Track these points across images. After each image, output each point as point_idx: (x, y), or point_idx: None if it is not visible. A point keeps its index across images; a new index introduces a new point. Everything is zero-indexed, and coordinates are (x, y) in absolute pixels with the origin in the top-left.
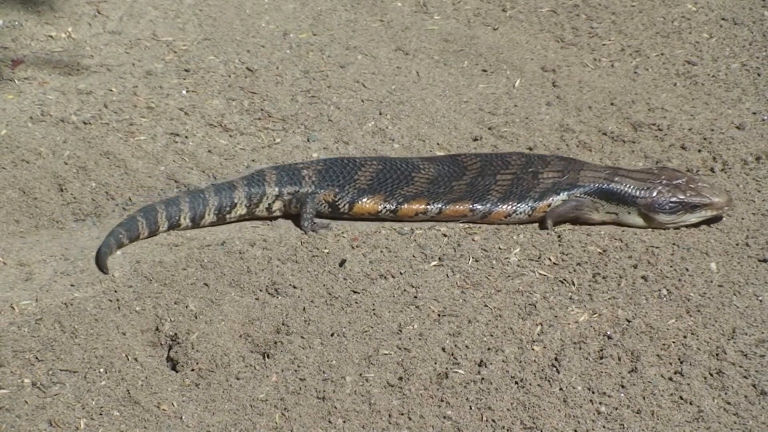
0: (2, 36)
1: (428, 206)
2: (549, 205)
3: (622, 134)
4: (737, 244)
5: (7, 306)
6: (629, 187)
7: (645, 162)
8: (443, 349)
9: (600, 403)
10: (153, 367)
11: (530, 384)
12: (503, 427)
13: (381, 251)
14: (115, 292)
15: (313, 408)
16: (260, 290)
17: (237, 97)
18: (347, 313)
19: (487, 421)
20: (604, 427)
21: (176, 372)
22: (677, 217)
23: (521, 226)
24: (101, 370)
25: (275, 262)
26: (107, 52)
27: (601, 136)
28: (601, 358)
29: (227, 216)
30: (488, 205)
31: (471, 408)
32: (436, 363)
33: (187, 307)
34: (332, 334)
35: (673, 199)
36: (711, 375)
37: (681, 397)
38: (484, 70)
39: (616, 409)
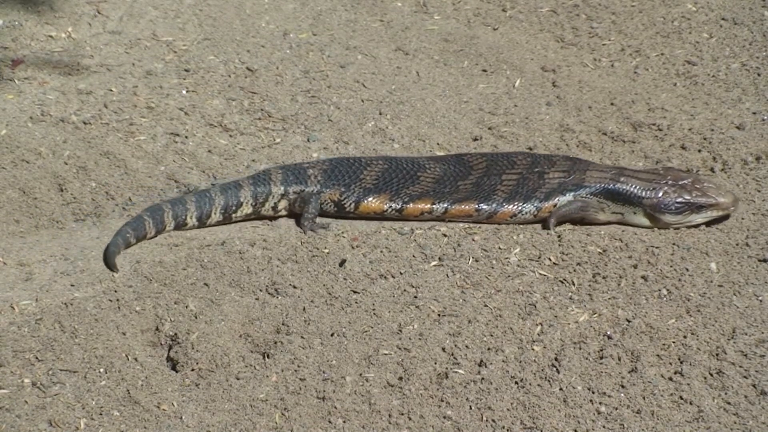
0: (2, 36)
1: (434, 206)
2: (555, 206)
3: (622, 134)
4: (737, 244)
5: (7, 306)
6: (635, 187)
7: (645, 162)
8: (443, 349)
9: (600, 403)
10: (153, 367)
11: (530, 384)
12: (503, 427)
13: (381, 251)
14: (115, 292)
15: (313, 408)
16: (260, 290)
17: (237, 97)
18: (347, 313)
19: (487, 421)
20: (604, 427)
21: (176, 372)
22: (683, 218)
23: (521, 226)
24: (101, 370)
25: (275, 262)
26: (107, 52)
27: (601, 136)
28: (601, 358)
29: (233, 215)
30: (494, 205)
31: (471, 408)
32: (436, 363)
33: (187, 307)
34: (332, 334)
35: (679, 200)
36: (711, 375)
37: (681, 397)
38: (484, 70)
39: (616, 409)
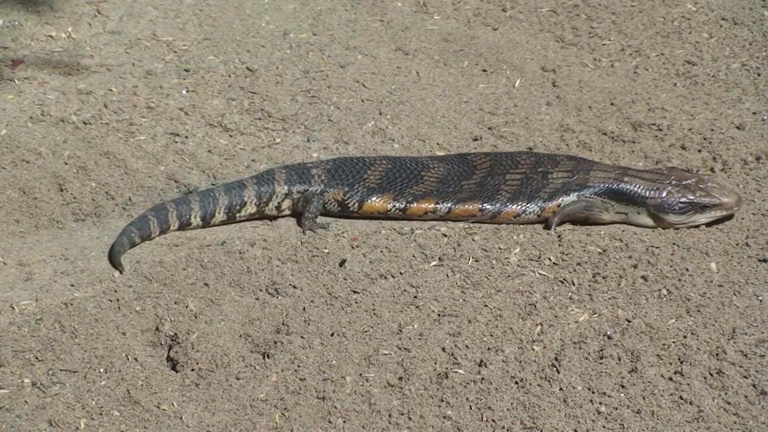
0: (2, 36)
1: (437, 205)
2: (559, 206)
3: (622, 134)
4: (737, 244)
5: (7, 306)
6: (639, 187)
7: (645, 162)
8: (443, 349)
9: (600, 403)
10: (153, 367)
11: (530, 384)
12: (503, 427)
13: (381, 251)
14: (115, 292)
15: (313, 408)
16: (260, 290)
17: (237, 97)
18: (347, 313)
19: (487, 421)
20: (604, 427)
21: (176, 372)
22: (687, 218)
23: (521, 226)
24: (101, 370)
25: (275, 262)
26: (107, 52)
27: (601, 136)
28: (601, 358)
29: (237, 215)
30: (497, 205)
31: (471, 408)
32: (436, 363)
33: (187, 307)
34: (332, 334)
35: (683, 200)
36: (711, 375)
37: (681, 397)
38: (484, 70)
39: (616, 409)
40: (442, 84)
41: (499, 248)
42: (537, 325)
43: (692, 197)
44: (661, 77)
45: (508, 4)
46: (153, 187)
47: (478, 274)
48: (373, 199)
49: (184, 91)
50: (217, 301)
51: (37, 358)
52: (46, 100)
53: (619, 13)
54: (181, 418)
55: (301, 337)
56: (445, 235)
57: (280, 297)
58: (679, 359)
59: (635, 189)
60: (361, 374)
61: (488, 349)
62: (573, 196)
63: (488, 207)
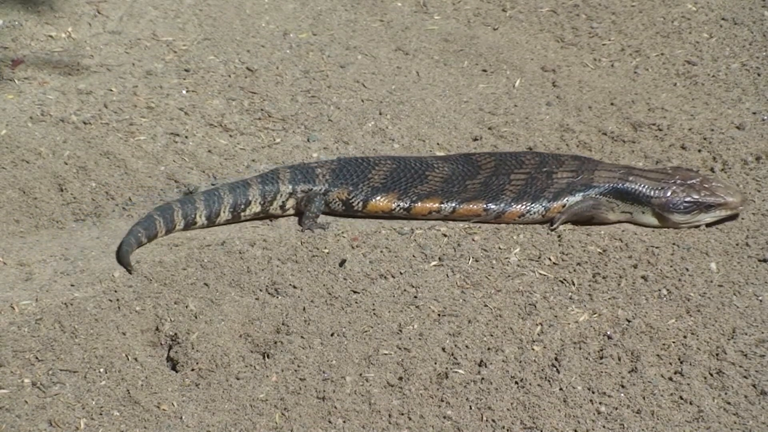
0: (2, 36)
1: (442, 205)
2: (563, 206)
3: (622, 134)
4: (737, 244)
5: (7, 306)
6: (644, 186)
7: (645, 162)
8: (443, 349)
9: (600, 403)
10: (153, 367)
11: (530, 384)
12: (503, 427)
13: (381, 251)
14: (115, 292)
15: (313, 408)
16: (260, 290)
17: (237, 97)
18: (347, 313)
19: (487, 421)
20: (604, 427)
21: (176, 372)
22: (692, 217)
23: (521, 225)
24: (101, 370)
25: (275, 262)
26: (107, 52)
27: (601, 136)
28: (601, 358)
29: (242, 214)
30: (502, 205)
31: (471, 408)
32: (436, 363)
33: (187, 307)
34: (332, 334)
35: (688, 199)
36: (711, 375)
37: (681, 397)
38: (484, 70)
39: (616, 409)
40: (442, 84)
41: (499, 248)
42: (537, 325)
43: (697, 197)
44: (661, 77)
45: (508, 4)
46: (153, 187)
47: (478, 274)
48: (378, 198)
49: (184, 91)
50: (217, 301)
51: (37, 358)
52: (46, 100)
53: (619, 13)
54: (181, 418)
55: (301, 337)
56: (445, 235)
57: (280, 297)
58: (679, 359)
59: (640, 188)
60: (361, 374)
61: (488, 349)
62: (578, 196)
63: (493, 207)
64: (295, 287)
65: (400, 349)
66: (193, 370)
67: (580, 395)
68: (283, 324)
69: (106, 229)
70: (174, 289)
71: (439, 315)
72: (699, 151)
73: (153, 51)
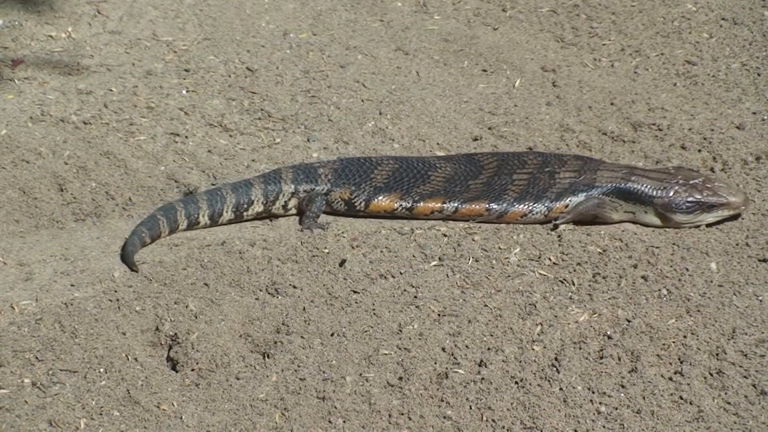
0: (2, 36)
1: (444, 204)
2: (566, 206)
3: (622, 134)
4: (737, 244)
5: (7, 306)
6: (646, 186)
7: (645, 162)
8: (443, 349)
9: (600, 403)
10: (153, 367)
11: (530, 384)
12: (503, 427)
13: (381, 251)
14: (115, 292)
15: (313, 408)
16: (260, 290)
17: (237, 97)
18: (347, 313)
19: (487, 421)
20: (604, 427)
21: (176, 372)
22: (694, 217)
23: (521, 225)
24: (101, 370)
25: (275, 262)
26: (107, 52)
27: (601, 136)
28: (601, 358)
29: (245, 213)
30: (504, 205)
31: (471, 408)
32: (436, 363)
33: (187, 307)
34: (332, 334)
35: (690, 199)
36: (711, 375)
37: (681, 397)
38: (484, 70)
39: (616, 409)
40: (442, 84)
41: (499, 248)
42: (537, 325)
43: (699, 197)
44: (661, 77)
45: (508, 4)
46: (153, 187)
47: (478, 274)
48: (380, 198)
49: (184, 91)
50: (217, 301)
51: (37, 358)
52: (46, 100)
53: (619, 13)
54: (181, 418)
55: (301, 337)
56: (445, 235)
57: (280, 297)
58: (679, 359)
59: (642, 188)
60: (361, 374)
61: (488, 349)
62: (581, 196)
63: (495, 207)
64: (295, 287)
65: (400, 349)
66: (193, 370)
67: (580, 395)
68: (283, 324)
69: (106, 229)
70: (174, 289)
71: (439, 315)
72: (699, 151)
73: (153, 51)
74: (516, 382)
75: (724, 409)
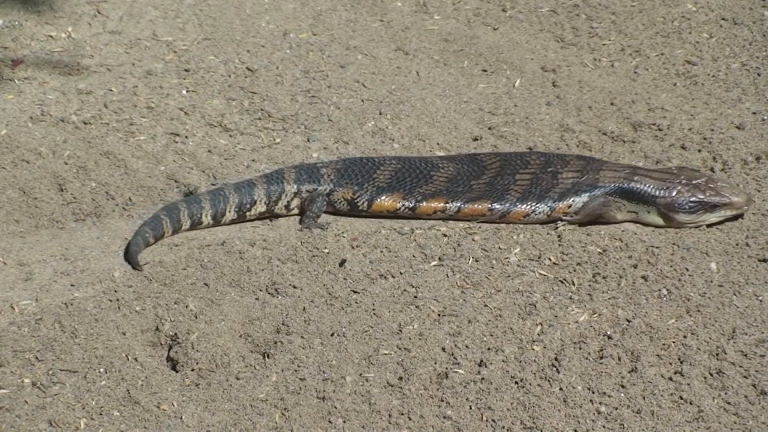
0: (2, 36)
1: (447, 204)
2: (569, 206)
3: (622, 134)
4: (737, 244)
5: (7, 306)
6: (649, 186)
7: (645, 162)
8: (443, 349)
9: (600, 403)
10: (153, 367)
11: (530, 384)
12: (503, 427)
13: (381, 251)
14: (115, 292)
15: (313, 408)
16: (260, 290)
17: (237, 97)
18: (347, 313)
19: (487, 421)
20: (604, 427)
21: (176, 372)
22: (697, 217)
23: (521, 225)
24: (101, 370)
25: (275, 262)
26: (107, 52)
27: (601, 136)
28: (601, 358)
29: (247, 213)
30: (507, 205)
31: (471, 408)
32: (436, 363)
33: (187, 307)
34: (332, 334)
35: (693, 199)
36: (711, 375)
37: (681, 397)
38: (484, 70)
39: (616, 409)
40: (442, 84)
41: (499, 248)
42: (537, 325)
43: (702, 196)
44: (661, 77)
45: (508, 4)
46: (153, 187)
47: (478, 274)
48: (383, 198)
49: (184, 91)
50: (217, 301)
51: (37, 358)
52: (46, 100)
53: (619, 13)
54: (181, 418)
55: (301, 337)
56: (445, 235)
57: (280, 297)
58: (679, 359)
59: (645, 188)
60: (361, 374)
61: (488, 349)
62: (584, 196)
63: (497, 207)
64: (295, 287)
65: (400, 349)
66: (193, 370)
67: (580, 395)
68: (283, 324)
69: (106, 229)
70: (174, 289)
71: (439, 315)
72: (699, 151)
73: (153, 51)
74: (516, 382)
75: (724, 409)
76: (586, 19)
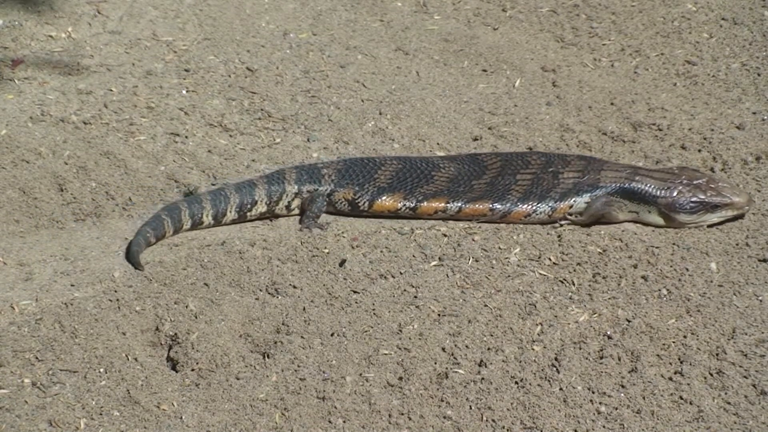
0: (2, 36)
1: (448, 204)
2: (570, 206)
3: (622, 134)
4: (737, 244)
5: (7, 306)
6: (650, 186)
7: (645, 162)
8: (443, 349)
9: (600, 403)
10: (153, 367)
11: (530, 384)
12: (503, 427)
13: (381, 251)
14: (115, 292)
15: (313, 408)
16: (260, 290)
17: (237, 97)
18: (347, 313)
19: (487, 421)
20: (604, 427)
21: (176, 372)
22: (698, 217)
23: (521, 226)
24: (101, 370)
25: (275, 262)
26: (107, 52)
27: (601, 136)
28: (601, 358)
29: (248, 213)
30: (508, 205)
31: (471, 408)
32: (436, 363)
33: (187, 307)
34: (332, 334)
35: (694, 199)
36: (711, 375)
37: (681, 397)
38: (484, 70)
39: (616, 409)
40: (442, 84)
41: (499, 248)
42: (537, 325)
43: (703, 197)
44: (661, 77)
45: (508, 4)
46: (153, 187)
47: (478, 274)
48: (384, 198)
49: (184, 91)
50: (217, 301)
51: (37, 358)
52: (46, 100)
53: (619, 13)
54: (181, 418)
55: (301, 337)
56: (445, 235)
57: (280, 297)
58: (679, 359)
59: (647, 188)
60: (361, 374)
61: (488, 349)
62: (586, 197)
63: (498, 207)
64: (295, 287)
65: (400, 349)
66: (193, 370)
67: (580, 395)
68: (283, 324)
69: (106, 229)
70: (174, 289)
71: (439, 315)
72: (699, 151)
73: (153, 51)
74: (516, 382)
75: (724, 409)
76: (586, 19)
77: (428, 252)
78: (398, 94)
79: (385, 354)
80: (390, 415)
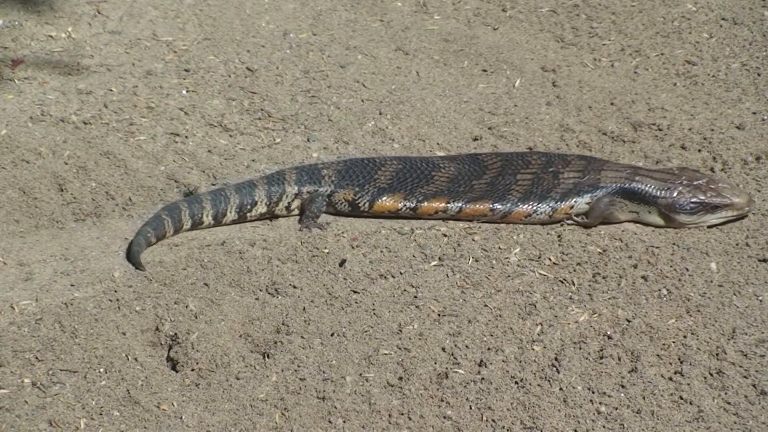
0: (2, 36)
1: (448, 204)
2: (571, 207)
3: (622, 134)
4: (737, 244)
5: (7, 306)
6: (650, 186)
7: (645, 162)
8: (443, 349)
9: (600, 403)
10: (153, 367)
11: (530, 384)
12: (503, 427)
13: (381, 251)
14: (115, 292)
15: (313, 408)
16: (260, 290)
17: (237, 97)
18: (347, 313)
19: (487, 421)
20: (604, 427)
21: (176, 372)
22: (698, 218)
23: (521, 226)
24: (101, 370)
25: (275, 262)
26: (107, 52)
27: (601, 136)
28: (601, 358)
29: (248, 214)
30: (508, 205)
31: (471, 408)
32: (436, 363)
33: (187, 307)
34: (332, 334)
35: (694, 200)
36: (711, 375)
37: (681, 397)
38: (484, 70)
39: (616, 409)
40: (442, 84)
41: (499, 248)
42: (537, 325)
43: (703, 197)
44: (661, 77)
45: (508, 4)
46: (153, 187)
47: (478, 274)
48: (384, 198)
49: (184, 91)
50: (217, 301)
51: (37, 358)
52: (46, 100)
53: (619, 13)
54: (181, 418)
55: (301, 337)
56: (445, 235)
57: (280, 297)
58: (679, 359)
59: (647, 188)
60: (361, 374)
61: (488, 349)
62: (586, 198)
63: (499, 207)
64: (295, 287)
65: (400, 349)
66: (193, 370)
67: (580, 395)
68: (283, 324)
69: (106, 229)
70: (174, 289)
71: (439, 315)
72: (699, 151)
73: (153, 51)
74: (516, 382)
75: (724, 409)
76: (586, 19)
77: (428, 252)
78: (398, 94)
79: (385, 354)
80: (390, 415)
